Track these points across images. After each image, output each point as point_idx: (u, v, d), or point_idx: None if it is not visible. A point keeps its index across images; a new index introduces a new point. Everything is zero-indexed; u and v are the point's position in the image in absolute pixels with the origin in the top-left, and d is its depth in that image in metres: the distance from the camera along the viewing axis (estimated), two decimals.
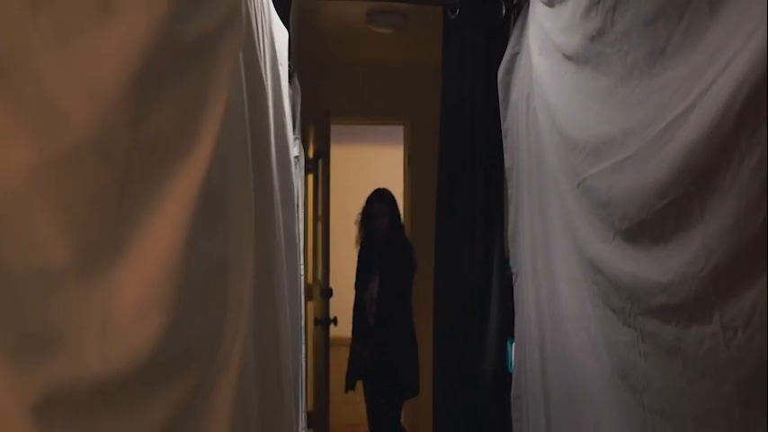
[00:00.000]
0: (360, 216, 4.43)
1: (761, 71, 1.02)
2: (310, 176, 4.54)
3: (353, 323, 4.32)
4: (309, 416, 4.01)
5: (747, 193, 1.09)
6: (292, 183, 2.09)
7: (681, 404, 1.34)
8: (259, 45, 1.41)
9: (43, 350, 0.83)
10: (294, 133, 2.59)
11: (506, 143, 2.69)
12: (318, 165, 4.58)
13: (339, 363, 4.51)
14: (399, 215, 4.42)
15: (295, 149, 2.56)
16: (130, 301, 0.86)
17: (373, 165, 6.05)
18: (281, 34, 2.11)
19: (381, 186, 4.48)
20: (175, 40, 0.92)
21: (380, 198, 4.36)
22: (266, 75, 1.54)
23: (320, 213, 4.54)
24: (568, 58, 1.89)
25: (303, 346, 2.87)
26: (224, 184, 1.02)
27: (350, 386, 4.32)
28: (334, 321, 4.40)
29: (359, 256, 4.45)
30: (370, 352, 4.16)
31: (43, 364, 0.82)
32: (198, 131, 0.93)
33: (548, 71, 2.10)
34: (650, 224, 1.39)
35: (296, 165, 2.57)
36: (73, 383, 0.83)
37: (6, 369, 0.79)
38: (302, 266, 2.93)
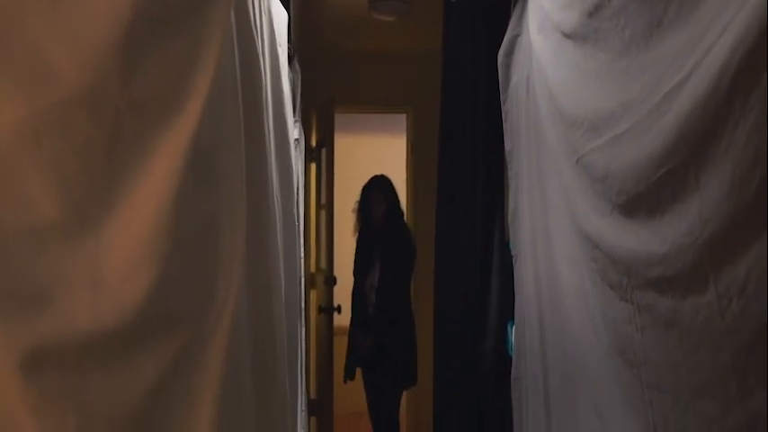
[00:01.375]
0: (357, 204, 4.40)
1: (755, 35, 1.01)
2: (313, 165, 4.52)
3: (353, 312, 4.30)
4: (312, 403, 4.01)
5: (742, 160, 1.08)
6: (291, 163, 2.08)
7: (677, 377, 1.34)
8: (254, 17, 1.40)
9: (33, 307, 0.83)
10: (294, 116, 2.58)
11: (506, 126, 2.69)
12: (321, 153, 4.57)
13: (343, 351, 4.50)
14: (398, 202, 4.37)
15: (295, 132, 2.55)
16: (120, 257, 0.86)
17: (376, 154, 6.02)
18: (280, 15, 2.11)
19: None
20: None
21: (377, 185, 4.32)
22: (263, 48, 1.53)
23: (324, 202, 4.52)
24: (567, 35, 1.89)
25: (303, 330, 2.87)
26: (215, 142, 1.01)
27: (348, 376, 4.30)
28: (338, 309, 4.39)
29: (357, 245, 4.43)
30: (371, 341, 4.15)
31: (33, 321, 0.82)
32: (188, 88, 0.93)
33: (547, 50, 2.10)
34: (647, 196, 1.39)
35: (296, 148, 2.56)
36: (62, 340, 0.84)
37: None
38: (302, 249, 2.92)
